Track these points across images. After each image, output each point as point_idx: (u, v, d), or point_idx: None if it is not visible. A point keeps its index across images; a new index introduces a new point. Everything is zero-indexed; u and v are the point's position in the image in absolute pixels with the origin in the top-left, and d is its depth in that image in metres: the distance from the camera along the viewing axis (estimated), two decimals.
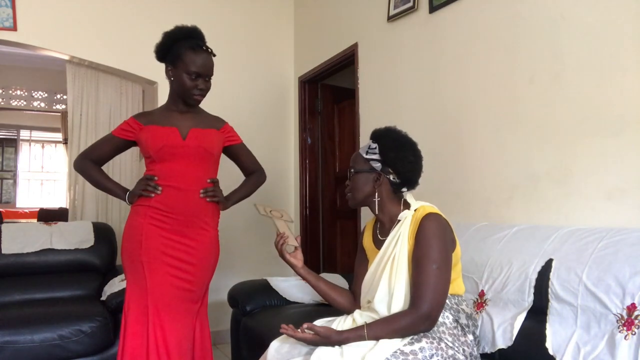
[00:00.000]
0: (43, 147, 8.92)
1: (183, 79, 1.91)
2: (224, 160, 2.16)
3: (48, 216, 5.73)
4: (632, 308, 1.27)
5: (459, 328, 1.41)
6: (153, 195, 1.90)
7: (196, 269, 1.94)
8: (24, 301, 2.71)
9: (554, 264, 1.49)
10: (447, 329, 1.38)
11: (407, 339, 1.32)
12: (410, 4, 2.55)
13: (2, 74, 6.40)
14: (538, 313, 1.49)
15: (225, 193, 2.10)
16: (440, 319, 1.39)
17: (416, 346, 1.30)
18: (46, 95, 6.82)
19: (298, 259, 1.69)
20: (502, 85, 2.02)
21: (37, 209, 6.82)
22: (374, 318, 1.42)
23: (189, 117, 2.01)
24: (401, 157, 1.52)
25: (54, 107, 6.93)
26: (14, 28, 2.98)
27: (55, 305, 2.57)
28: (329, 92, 3.84)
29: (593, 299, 1.35)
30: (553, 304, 1.46)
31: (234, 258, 3.31)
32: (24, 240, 2.91)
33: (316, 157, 3.77)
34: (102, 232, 3.11)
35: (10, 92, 6.64)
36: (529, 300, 1.53)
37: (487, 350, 1.54)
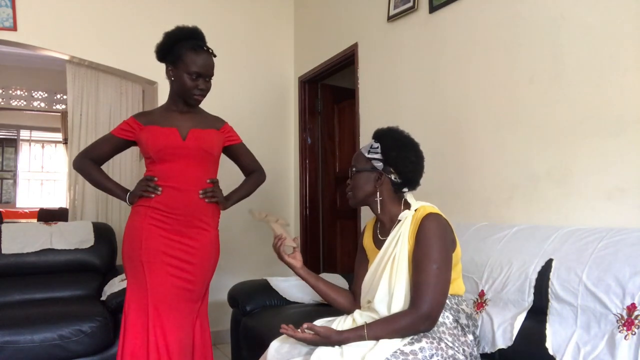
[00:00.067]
0: (43, 147, 8.92)
1: (184, 79, 1.92)
2: (224, 160, 2.16)
3: (48, 216, 5.73)
4: (632, 308, 1.27)
5: (459, 328, 1.41)
6: (153, 196, 1.91)
7: (196, 269, 1.94)
8: (24, 301, 2.71)
9: (554, 264, 1.49)
10: (447, 329, 1.38)
11: (407, 339, 1.32)
12: (410, 4, 2.55)
13: (2, 74, 6.40)
14: (538, 313, 1.49)
15: (225, 193, 2.10)
16: (441, 319, 1.39)
17: (416, 346, 1.30)
18: (46, 95, 6.82)
19: (297, 260, 1.69)
20: (502, 85, 2.02)
21: (37, 209, 6.82)
22: (374, 318, 1.42)
23: (189, 118, 2.01)
24: (403, 157, 1.52)
25: (54, 107, 6.93)
26: (14, 28, 2.98)
27: (55, 305, 2.57)
28: (329, 92, 3.84)
29: (593, 299, 1.35)
30: (553, 304, 1.46)
31: (234, 258, 3.31)
32: (24, 240, 2.91)
33: (316, 157, 3.77)
34: (102, 232, 3.11)
35: (10, 92, 6.64)
36: (529, 300, 1.53)
37: (487, 350, 1.54)
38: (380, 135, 1.58)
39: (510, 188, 1.98)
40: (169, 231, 1.91)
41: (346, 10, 3.20)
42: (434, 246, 1.39)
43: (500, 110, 2.03)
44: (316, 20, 3.62)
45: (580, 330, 1.36)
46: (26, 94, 6.72)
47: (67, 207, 3.85)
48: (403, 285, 1.42)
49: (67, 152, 4.62)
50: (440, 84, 2.37)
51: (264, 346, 1.51)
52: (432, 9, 2.41)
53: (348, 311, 1.61)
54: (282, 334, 1.40)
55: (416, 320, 1.33)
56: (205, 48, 1.94)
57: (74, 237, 3.01)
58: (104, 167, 2.09)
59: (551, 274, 1.48)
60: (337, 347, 1.33)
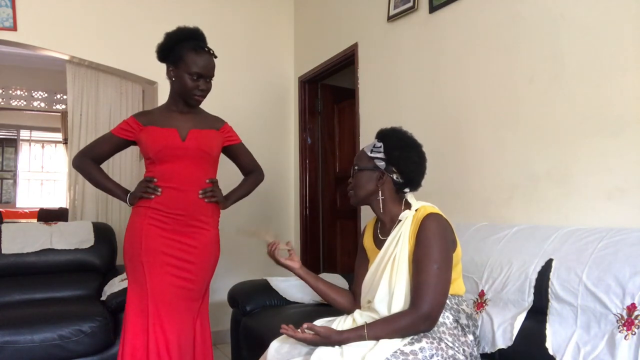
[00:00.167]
0: (43, 147, 8.92)
1: (184, 80, 1.93)
2: (224, 160, 2.17)
3: (48, 216, 5.73)
4: (632, 308, 1.27)
5: (459, 328, 1.41)
6: (153, 197, 1.91)
7: (196, 268, 1.95)
8: (24, 301, 2.71)
9: (554, 264, 1.49)
10: (447, 329, 1.38)
11: (407, 339, 1.32)
12: (410, 4, 2.55)
13: (2, 74, 6.40)
14: (538, 313, 1.49)
15: (224, 193, 2.11)
16: (441, 319, 1.39)
17: (416, 346, 1.30)
18: (46, 95, 6.82)
19: (295, 261, 1.68)
20: (502, 85, 2.02)
21: (37, 209, 6.82)
22: (374, 318, 1.42)
23: (189, 118, 2.01)
24: (405, 157, 1.52)
25: (54, 107, 6.93)
26: (14, 28, 2.98)
27: (55, 305, 2.57)
28: (329, 92, 3.84)
29: (593, 299, 1.35)
30: (553, 304, 1.46)
31: (234, 258, 3.31)
32: (24, 240, 2.91)
33: (316, 157, 3.77)
34: (102, 232, 3.11)
35: (10, 92, 6.64)
36: (529, 300, 1.53)
37: (487, 350, 1.54)
38: (384, 135, 1.59)
39: (510, 188, 1.98)
40: (168, 231, 1.91)
41: (346, 10, 3.20)
42: (434, 246, 1.39)
43: (500, 110, 2.03)
44: (316, 20, 3.62)
45: (580, 330, 1.36)
46: (26, 94, 6.72)
47: (67, 207, 3.85)
48: (403, 285, 1.42)
49: (67, 152, 4.62)
50: (440, 84, 2.37)
51: (264, 346, 1.51)
52: (432, 9, 2.41)
53: (348, 311, 1.61)
54: (282, 334, 1.40)
55: (416, 320, 1.33)
56: (206, 49, 1.95)
57: (74, 237, 3.01)
58: (103, 166, 2.10)
59: (551, 274, 1.48)
60: (337, 347, 1.33)
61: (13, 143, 8.68)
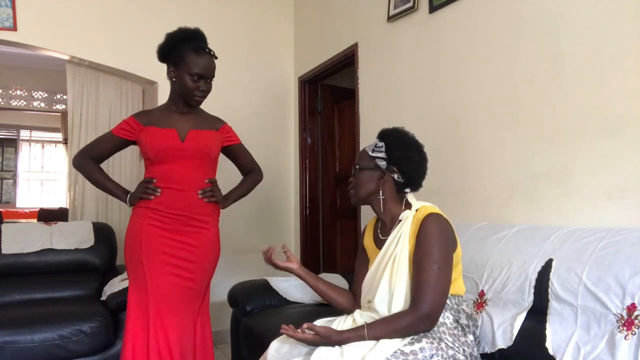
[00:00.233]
0: (43, 147, 8.92)
1: (185, 81, 1.93)
2: (223, 160, 2.17)
3: (48, 216, 5.73)
4: (632, 308, 1.27)
5: (460, 328, 1.41)
6: (152, 197, 1.92)
7: (197, 267, 1.95)
8: (24, 301, 2.71)
9: (554, 264, 1.49)
10: (447, 329, 1.38)
11: (408, 339, 1.32)
12: (410, 4, 2.55)
13: (2, 74, 6.39)
14: (538, 313, 1.49)
15: (223, 192, 2.12)
16: (441, 319, 1.39)
17: (416, 346, 1.30)
18: (46, 95, 6.82)
19: (293, 262, 1.68)
20: (502, 85, 2.02)
21: (37, 209, 6.81)
22: (374, 318, 1.42)
23: (189, 118, 2.02)
24: (406, 157, 1.53)
25: (54, 107, 6.93)
26: (14, 28, 2.98)
27: (55, 305, 2.57)
28: (329, 92, 3.84)
29: (593, 299, 1.35)
30: (553, 304, 1.46)
31: (234, 258, 3.31)
32: (24, 240, 2.91)
33: (316, 157, 3.77)
34: (102, 232, 3.11)
35: (10, 92, 6.64)
36: (529, 300, 1.53)
37: (487, 350, 1.54)
38: (385, 135, 1.59)
39: (510, 188, 1.98)
40: (168, 231, 1.92)
41: (346, 10, 3.20)
42: (434, 246, 1.39)
43: (500, 110, 2.03)
44: (316, 20, 3.62)
45: (580, 330, 1.36)
46: (26, 94, 6.72)
47: (67, 207, 3.85)
48: (403, 285, 1.42)
49: (67, 152, 4.62)
50: (440, 84, 2.37)
51: (264, 346, 1.51)
52: (432, 9, 2.41)
53: (348, 311, 1.61)
54: (282, 334, 1.40)
55: (416, 320, 1.33)
56: (207, 50, 1.95)
57: (74, 237, 3.01)
58: (103, 166, 2.10)
59: (551, 274, 1.48)
60: (337, 347, 1.33)
61: (13, 143, 8.68)
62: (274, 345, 1.47)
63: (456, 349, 1.35)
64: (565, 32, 1.77)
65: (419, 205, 1.52)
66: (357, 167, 1.60)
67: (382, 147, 1.55)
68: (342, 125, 3.80)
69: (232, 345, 2.50)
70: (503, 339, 1.51)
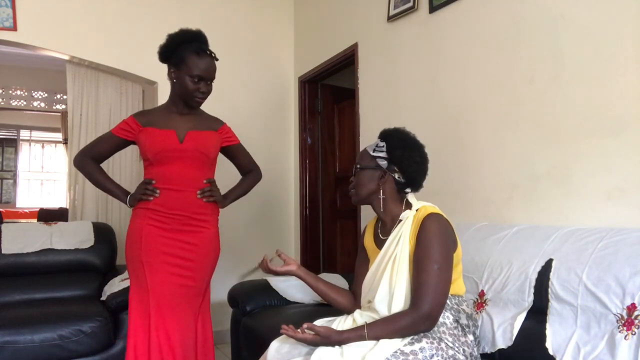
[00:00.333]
0: (43, 147, 8.92)
1: (186, 82, 1.94)
2: (222, 160, 2.17)
3: (48, 216, 5.73)
4: (632, 308, 1.27)
5: (460, 328, 1.41)
6: (152, 198, 1.93)
7: (197, 265, 1.97)
8: (24, 301, 2.71)
9: (554, 264, 1.49)
10: (447, 329, 1.38)
11: (408, 339, 1.32)
12: (410, 4, 2.55)
13: (2, 74, 6.39)
14: (538, 313, 1.49)
15: (222, 192, 2.12)
16: (441, 319, 1.39)
17: (416, 346, 1.30)
18: (46, 95, 6.82)
19: (292, 265, 1.68)
20: (502, 85, 2.02)
21: (37, 209, 6.81)
22: (375, 318, 1.42)
23: (188, 119, 2.03)
24: (407, 157, 1.53)
25: (54, 107, 6.93)
26: (14, 28, 2.98)
27: (55, 305, 2.57)
28: (329, 92, 3.83)
29: (593, 299, 1.35)
30: (553, 304, 1.46)
31: (234, 258, 3.31)
32: (24, 240, 2.91)
33: (316, 157, 3.77)
34: (102, 232, 3.11)
35: (10, 92, 6.64)
36: (529, 300, 1.53)
37: (487, 350, 1.54)
38: (387, 135, 1.59)
39: (510, 188, 1.98)
40: (168, 230, 1.93)
41: (346, 10, 3.20)
42: (435, 246, 1.39)
43: (500, 110, 2.03)
44: (316, 20, 3.62)
45: (580, 330, 1.36)
46: (26, 94, 6.72)
47: (67, 207, 3.85)
48: (404, 285, 1.42)
49: (67, 152, 4.62)
50: (440, 84, 2.37)
51: (264, 346, 1.51)
52: (432, 9, 2.41)
53: (348, 311, 1.61)
54: (282, 334, 1.40)
55: (416, 320, 1.33)
56: (208, 52, 1.96)
57: (74, 237, 3.01)
58: (103, 166, 2.11)
59: (551, 274, 1.48)
60: (337, 347, 1.33)
61: (13, 143, 8.68)
62: (274, 345, 1.47)
63: (456, 349, 1.35)
64: (565, 32, 1.77)
65: (419, 205, 1.52)
66: (358, 166, 1.60)
67: (383, 147, 1.55)
68: (342, 125, 3.80)
69: (232, 345, 2.50)
70: (503, 339, 1.51)
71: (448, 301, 1.42)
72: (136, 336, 1.88)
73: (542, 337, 1.42)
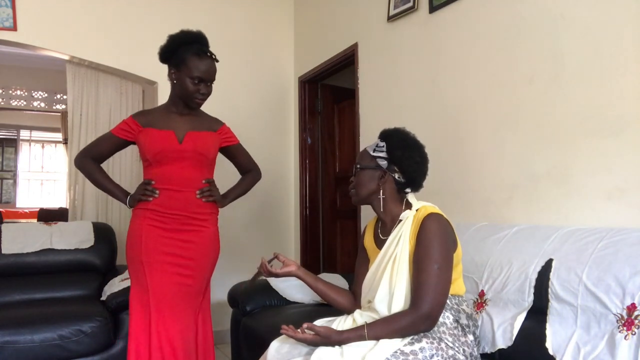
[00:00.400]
0: (43, 147, 8.92)
1: (186, 83, 1.94)
2: (222, 160, 2.18)
3: (48, 216, 5.72)
4: (632, 308, 1.27)
5: (460, 328, 1.41)
6: (151, 199, 1.94)
7: (197, 264, 1.98)
8: (24, 301, 2.71)
9: (554, 264, 1.49)
10: (447, 329, 1.38)
11: (408, 339, 1.32)
12: (410, 4, 2.55)
13: (2, 74, 6.39)
14: (538, 313, 1.49)
15: (222, 192, 2.13)
16: (441, 319, 1.39)
17: (416, 346, 1.30)
18: (46, 95, 6.82)
19: (291, 265, 1.68)
20: (502, 85, 2.02)
21: (37, 209, 6.81)
22: (375, 318, 1.42)
23: (188, 120, 2.03)
24: (407, 157, 1.53)
25: (54, 107, 6.93)
26: (14, 28, 2.98)
27: (55, 305, 2.57)
28: (329, 92, 3.83)
29: (593, 299, 1.35)
30: (553, 304, 1.46)
31: (234, 258, 3.31)
32: (24, 240, 2.91)
33: (316, 157, 3.77)
34: (102, 232, 3.11)
35: (10, 92, 6.64)
36: (529, 300, 1.53)
37: (487, 350, 1.54)
38: (387, 135, 1.59)
39: (510, 188, 1.98)
40: (168, 230, 1.94)
41: (346, 10, 3.20)
42: (435, 246, 1.39)
43: (500, 110, 2.03)
44: (316, 20, 3.62)
45: (580, 330, 1.36)
46: (26, 94, 6.72)
47: (67, 207, 3.85)
48: (404, 285, 1.42)
49: (67, 152, 4.61)
50: (440, 84, 2.37)
51: (264, 346, 1.51)
52: (432, 9, 2.41)
53: (348, 311, 1.61)
54: (282, 334, 1.40)
55: (416, 320, 1.33)
56: (208, 54, 1.96)
57: (74, 237, 3.01)
58: (103, 166, 2.12)
59: (551, 274, 1.48)
60: (337, 347, 1.33)
61: (13, 143, 8.68)
62: (274, 345, 1.47)
63: (456, 349, 1.35)
64: (565, 32, 1.77)
65: (419, 205, 1.52)
66: (358, 166, 1.60)
67: (383, 147, 1.55)
68: (342, 125, 3.80)
69: (232, 345, 2.50)
70: (503, 339, 1.51)
71: (448, 301, 1.42)
72: (137, 337, 1.89)
73: (542, 337, 1.42)
